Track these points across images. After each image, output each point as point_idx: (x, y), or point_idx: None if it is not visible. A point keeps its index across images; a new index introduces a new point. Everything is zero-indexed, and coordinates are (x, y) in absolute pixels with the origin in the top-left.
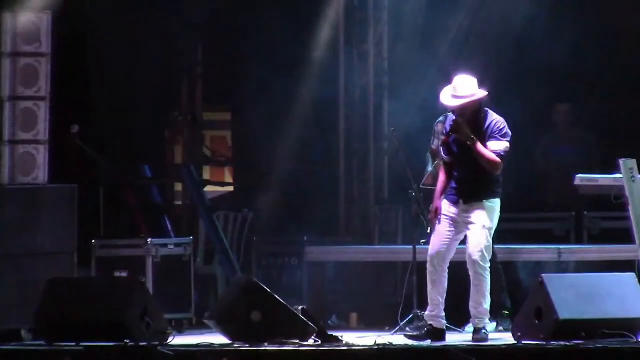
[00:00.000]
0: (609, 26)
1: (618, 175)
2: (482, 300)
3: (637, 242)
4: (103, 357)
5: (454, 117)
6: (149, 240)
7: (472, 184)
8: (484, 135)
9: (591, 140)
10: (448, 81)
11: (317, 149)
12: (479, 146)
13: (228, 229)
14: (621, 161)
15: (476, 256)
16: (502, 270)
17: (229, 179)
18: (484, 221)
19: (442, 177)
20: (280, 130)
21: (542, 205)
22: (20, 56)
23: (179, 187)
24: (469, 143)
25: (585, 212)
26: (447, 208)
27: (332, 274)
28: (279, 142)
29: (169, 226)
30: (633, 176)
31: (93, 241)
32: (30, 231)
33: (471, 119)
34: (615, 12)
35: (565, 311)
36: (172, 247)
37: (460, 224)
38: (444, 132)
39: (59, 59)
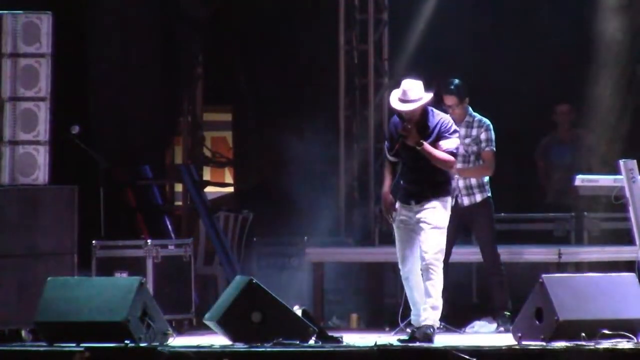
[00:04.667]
0: (608, 26)
1: (618, 176)
2: (434, 293)
3: (637, 242)
4: (103, 357)
5: (403, 124)
6: (149, 241)
7: (422, 185)
8: (433, 135)
9: (591, 140)
10: (443, 81)
11: (317, 149)
12: (429, 148)
13: (228, 230)
14: (621, 162)
15: (430, 257)
16: (503, 270)
17: (229, 179)
18: (436, 221)
19: (386, 175)
20: (280, 131)
21: (542, 206)
22: (20, 57)
23: (179, 187)
24: (418, 147)
25: (585, 213)
26: (400, 210)
27: (332, 274)
28: (279, 142)
29: (169, 227)
30: (633, 177)
31: (93, 242)
32: (30, 231)
33: (419, 120)
34: (615, 11)
35: (565, 311)
36: (172, 247)
37: (414, 224)
38: (392, 136)
39: (59, 59)
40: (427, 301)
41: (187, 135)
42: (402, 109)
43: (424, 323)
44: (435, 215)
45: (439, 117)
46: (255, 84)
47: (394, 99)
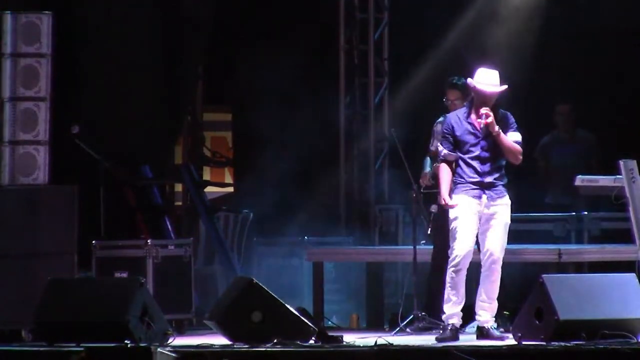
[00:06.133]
0: (608, 26)
1: (618, 176)
2: (495, 296)
3: (637, 242)
4: (103, 357)
5: (483, 108)
6: (149, 241)
7: (494, 179)
8: (503, 126)
9: (592, 141)
10: (442, 81)
11: (317, 149)
12: (504, 136)
13: (228, 230)
14: (621, 162)
15: (499, 254)
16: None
17: (229, 179)
18: (506, 219)
19: (447, 174)
20: (280, 131)
21: (542, 206)
22: (20, 57)
23: (179, 187)
24: (494, 133)
25: (586, 213)
26: (469, 204)
27: (332, 274)
28: (279, 142)
29: (169, 227)
30: (633, 177)
31: (93, 242)
32: (30, 231)
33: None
34: (615, 12)
35: (565, 311)
36: (172, 247)
37: (481, 220)
38: (453, 131)
39: (59, 58)
40: (489, 302)
41: (187, 135)
42: (494, 90)
43: (487, 325)
44: (507, 212)
45: (504, 112)
46: (255, 84)
47: (481, 82)
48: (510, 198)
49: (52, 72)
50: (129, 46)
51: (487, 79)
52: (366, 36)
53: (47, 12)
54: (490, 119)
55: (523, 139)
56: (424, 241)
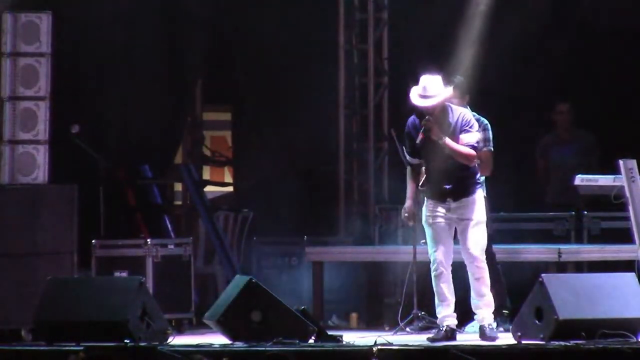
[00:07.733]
0: (608, 25)
1: (618, 176)
2: (485, 290)
3: (637, 242)
4: (102, 357)
5: (425, 118)
6: (149, 240)
7: (456, 181)
8: (454, 130)
9: (591, 140)
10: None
11: (317, 149)
12: (451, 143)
13: (228, 229)
14: (621, 161)
15: (477, 252)
16: (501, 270)
17: (228, 179)
18: (478, 217)
19: (411, 184)
20: (280, 131)
21: (542, 205)
22: (20, 56)
23: (179, 187)
24: (440, 142)
25: (585, 212)
26: (434, 208)
27: (332, 274)
28: (279, 142)
29: (168, 226)
30: (633, 176)
31: (93, 241)
32: (30, 231)
33: (439, 116)
34: (616, 11)
35: (565, 311)
36: (172, 247)
37: (452, 221)
38: (412, 136)
39: (59, 58)
40: (480, 300)
41: (187, 134)
42: (423, 104)
43: (484, 323)
44: (476, 211)
45: (459, 112)
46: (254, 83)
47: (414, 95)
48: (509, 197)
49: (52, 72)
50: (129, 46)
51: (422, 90)
52: (366, 36)
53: (46, 11)
54: (432, 132)
55: (520, 138)
56: (423, 241)
